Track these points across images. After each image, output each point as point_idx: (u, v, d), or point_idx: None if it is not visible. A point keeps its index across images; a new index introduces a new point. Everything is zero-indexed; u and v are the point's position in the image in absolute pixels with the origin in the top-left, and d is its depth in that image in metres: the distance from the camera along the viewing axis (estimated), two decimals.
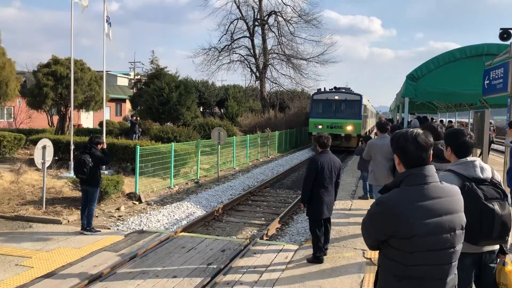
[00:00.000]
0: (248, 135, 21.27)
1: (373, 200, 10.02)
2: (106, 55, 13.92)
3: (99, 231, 7.94)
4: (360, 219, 8.41)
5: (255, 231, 9.08)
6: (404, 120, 13.14)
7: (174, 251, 6.82)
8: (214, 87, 47.82)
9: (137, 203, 10.76)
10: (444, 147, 3.52)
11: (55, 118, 22.84)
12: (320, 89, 27.83)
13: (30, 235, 7.62)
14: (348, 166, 18.39)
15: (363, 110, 26.33)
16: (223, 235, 8.50)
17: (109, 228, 8.44)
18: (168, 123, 26.01)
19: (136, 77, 36.63)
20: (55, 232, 7.84)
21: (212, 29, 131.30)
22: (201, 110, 44.63)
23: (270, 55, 37.11)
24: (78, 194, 10.09)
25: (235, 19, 36.70)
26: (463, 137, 3.32)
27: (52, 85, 19.31)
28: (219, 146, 15.24)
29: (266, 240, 8.04)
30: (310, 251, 6.48)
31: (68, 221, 8.63)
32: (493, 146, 21.90)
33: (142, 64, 79.02)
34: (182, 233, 7.90)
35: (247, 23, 36.87)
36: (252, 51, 37.02)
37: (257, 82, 37.85)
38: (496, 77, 8.92)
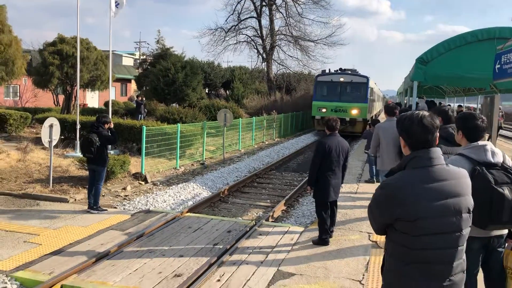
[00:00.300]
0: (254, 117, 21.22)
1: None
2: (112, 34, 13.83)
3: (106, 210, 8.00)
4: (366, 203, 8.44)
5: (261, 213, 9.12)
6: (412, 104, 13.02)
7: (180, 231, 6.87)
8: (220, 68, 47.54)
9: (143, 183, 10.81)
10: (455, 131, 3.49)
11: (61, 97, 22.87)
12: (325, 70, 26.78)
13: (37, 212, 7.69)
14: (354, 149, 18.34)
15: (370, 93, 25.00)
16: (229, 216, 8.54)
17: (115, 208, 8.50)
18: (173, 104, 25.97)
19: (141, 57, 36.47)
20: (62, 210, 7.91)
21: (219, 9, 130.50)
22: (207, 91, 44.48)
23: (277, 36, 36.77)
24: (84, 173, 10.15)
25: None
26: (475, 120, 3.28)
27: (58, 64, 19.29)
28: (225, 128, 15.23)
29: (272, 221, 8.08)
30: (315, 233, 6.51)
31: (75, 199, 8.69)
32: (501, 132, 21.75)
33: (148, 44, 78.69)
34: (188, 214, 7.94)
35: (254, 3, 36.46)
36: (259, 32, 36.68)
37: (263, 63, 37.60)
38: (508, 61, 8.78)
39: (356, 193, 9.43)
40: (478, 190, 2.67)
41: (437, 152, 2.31)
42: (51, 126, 9.18)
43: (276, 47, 36.80)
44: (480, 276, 3.45)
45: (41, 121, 14.49)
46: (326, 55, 64.53)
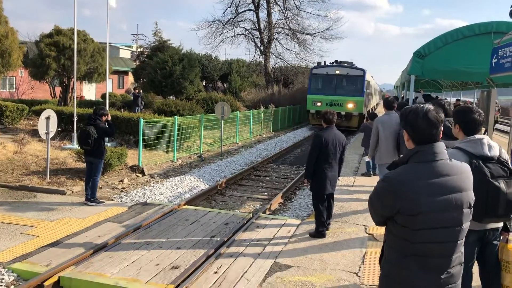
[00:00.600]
0: (251, 111, 21.21)
1: (375, 177, 10.06)
2: (109, 26, 13.76)
3: (103, 202, 8.01)
4: (362, 196, 8.50)
5: (258, 206, 9.15)
6: (410, 98, 13.04)
7: (177, 223, 6.89)
8: (217, 61, 47.38)
9: (140, 175, 10.82)
10: (453, 124, 3.50)
11: (58, 90, 22.78)
12: (320, 62, 26.12)
13: (34, 204, 7.69)
14: (351, 143, 18.38)
15: (366, 87, 24.14)
16: (226, 209, 8.57)
17: (113, 200, 8.51)
18: (170, 97, 25.91)
19: (138, 50, 36.32)
20: (59, 202, 7.91)
21: (216, 2, 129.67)
22: (204, 84, 44.37)
23: (275, 29, 36.61)
24: (81, 165, 10.14)
25: None
26: (472, 114, 3.29)
27: (55, 56, 19.19)
28: (222, 121, 15.22)
29: (269, 214, 8.11)
30: (312, 226, 6.54)
31: (72, 191, 8.70)
32: (497, 126, 21.80)
33: (145, 36, 78.33)
34: (186, 206, 7.96)
35: None
36: (256, 24, 36.52)
37: (261, 56, 37.46)
38: (505, 55, 8.80)
39: (352, 186, 9.47)
40: (474, 184, 2.69)
41: (440, 146, 2.30)
42: (48, 118, 9.16)
43: (274, 40, 36.66)
44: (475, 269, 3.49)
45: (38, 113, 14.44)
46: (324, 48, 64.42)
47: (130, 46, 49.79)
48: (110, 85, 35.86)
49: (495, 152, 3.22)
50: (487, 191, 3.05)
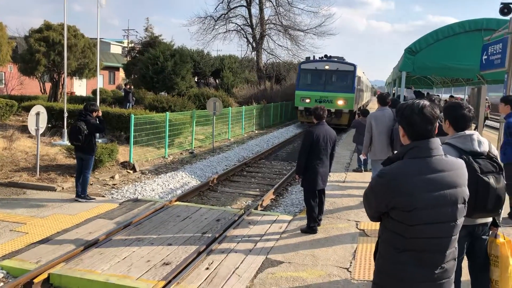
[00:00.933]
0: (243, 107, 21.17)
1: (367, 173, 10.09)
2: (100, 22, 13.64)
3: (94, 198, 7.96)
4: (354, 192, 8.53)
5: (250, 202, 9.15)
6: (401, 95, 13.10)
7: (169, 219, 6.86)
8: (209, 57, 47.18)
9: (131, 172, 10.77)
10: (443, 120, 3.52)
11: (48, 85, 22.57)
12: (309, 57, 25.18)
13: (24, 201, 7.62)
14: (342, 139, 18.44)
15: (357, 83, 23.22)
16: (218, 205, 8.56)
17: (103, 196, 8.46)
18: (162, 93, 25.78)
19: (130, 45, 36.05)
20: (50, 199, 7.85)
21: None
22: (196, 80, 44.20)
23: (267, 25, 36.53)
24: (72, 161, 10.07)
25: None
26: (462, 110, 3.31)
27: (44, 51, 19.00)
28: (214, 117, 15.18)
29: (261, 210, 8.11)
30: (304, 222, 6.55)
31: (63, 188, 8.63)
32: (487, 122, 21.99)
33: (136, 32, 77.82)
34: (177, 202, 7.94)
35: None
36: (249, 20, 36.42)
37: (253, 52, 37.39)
38: (494, 52, 8.87)
39: (344, 182, 9.50)
40: None
41: (436, 142, 2.31)
42: (37, 114, 9.07)
43: (266, 36, 36.60)
44: (465, 263, 3.52)
45: (28, 109, 14.27)
46: (316, 44, 64.45)
47: (121, 42, 49.41)
48: (101, 81, 35.62)
49: (484, 148, 3.25)
50: (476, 187, 3.07)
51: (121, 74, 39.74)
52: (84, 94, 31.91)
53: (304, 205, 6.85)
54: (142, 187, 9.31)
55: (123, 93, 25.06)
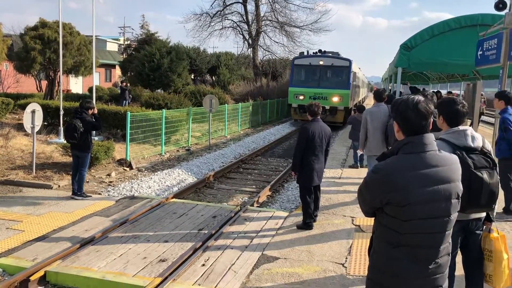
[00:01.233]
0: (240, 103, 21.15)
1: (363, 169, 10.11)
2: (95, 19, 13.59)
3: (90, 196, 7.95)
4: (350, 188, 8.55)
5: (246, 198, 9.16)
6: (397, 91, 13.13)
7: (165, 216, 6.87)
8: (205, 54, 47.09)
9: (127, 169, 10.76)
10: (437, 116, 3.53)
11: (44, 83, 22.48)
12: (303, 52, 24.54)
13: (20, 199, 7.61)
14: (338, 135, 18.46)
15: (353, 78, 22.33)
16: (214, 202, 8.57)
17: (100, 194, 8.46)
18: (158, 90, 25.73)
19: (126, 42, 35.96)
20: (46, 196, 7.84)
21: None
22: (192, 77, 44.13)
23: (263, 22, 36.47)
24: (68, 159, 10.05)
25: None
26: (456, 105, 3.32)
27: (40, 49, 18.91)
28: (210, 114, 15.17)
29: (257, 207, 8.12)
30: (300, 218, 6.58)
31: (59, 186, 8.62)
32: (483, 118, 22.05)
33: (132, 29, 77.63)
34: (173, 199, 7.94)
35: None
36: (245, 17, 36.34)
37: (249, 49, 37.34)
38: (490, 48, 8.90)
39: (340, 178, 9.52)
40: None
41: (430, 138, 2.32)
42: (33, 111, 9.05)
43: (262, 33, 36.53)
44: (459, 258, 3.54)
45: (24, 107, 14.22)
46: (312, 41, 64.06)
47: (117, 39, 49.30)
48: (97, 79, 35.52)
49: (478, 143, 3.26)
50: (470, 182, 3.09)
51: (117, 71, 39.64)
52: (80, 91, 31.80)
53: (300, 201, 6.87)
54: (138, 185, 9.31)
55: (119, 91, 24.98)
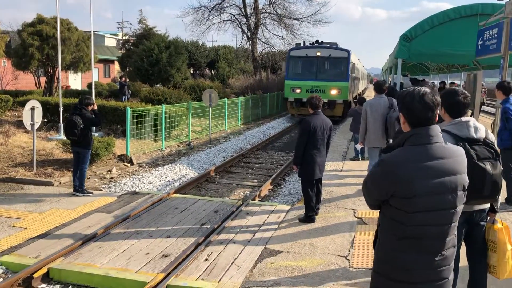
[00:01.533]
0: (240, 97, 21.09)
1: (364, 162, 10.09)
2: (93, 14, 13.52)
3: (92, 192, 7.95)
4: (351, 180, 8.54)
5: (248, 192, 9.15)
6: (397, 82, 13.09)
7: (167, 212, 6.87)
8: (204, 48, 46.99)
9: (128, 165, 10.75)
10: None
11: (42, 80, 22.42)
12: (299, 43, 23.64)
13: (22, 196, 7.61)
14: (339, 128, 18.43)
15: (352, 70, 21.39)
16: (216, 196, 8.56)
17: (101, 190, 8.45)
18: (157, 85, 25.68)
19: (124, 38, 35.84)
20: (47, 193, 7.84)
21: None
22: (191, 71, 44.05)
23: (262, 15, 36.28)
24: (69, 156, 10.04)
25: None
26: (457, 96, 3.30)
27: (38, 45, 18.86)
28: (210, 108, 15.14)
29: (259, 201, 8.12)
30: (301, 211, 6.57)
31: (60, 182, 8.61)
32: (484, 108, 22.00)
33: (130, 24, 77.45)
34: (175, 195, 7.94)
35: None
36: (243, 10, 36.15)
37: (248, 42, 37.17)
38: (490, 37, 8.85)
39: (341, 171, 9.51)
40: None
41: (436, 129, 2.30)
42: (32, 108, 9.03)
43: (261, 25, 36.36)
44: (463, 249, 3.54)
45: (23, 104, 14.19)
46: (311, 33, 63.94)
47: (115, 34, 49.12)
48: (96, 74, 35.38)
49: (481, 134, 3.24)
50: (472, 173, 3.07)
51: (116, 67, 39.56)
52: (79, 87, 31.74)
53: (302, 194, 6.86)
54: (139, 180, 9.31)
55: (118, 86, 24.95)
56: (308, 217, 6.33)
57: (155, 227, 6.16)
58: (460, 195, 2.30)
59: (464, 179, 2.33)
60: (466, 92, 3.38)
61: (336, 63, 20.81)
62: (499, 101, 6.97)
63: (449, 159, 2.27)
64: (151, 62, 24.33)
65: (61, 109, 13.15)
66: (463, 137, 3.17)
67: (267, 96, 25.39)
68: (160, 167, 10.59)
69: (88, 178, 8.94)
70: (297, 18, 36.40)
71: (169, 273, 4.72)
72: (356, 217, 6.53)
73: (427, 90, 2.33)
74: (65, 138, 8.86)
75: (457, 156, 2.33)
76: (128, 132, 11.43)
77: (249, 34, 36.14)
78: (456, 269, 3.36)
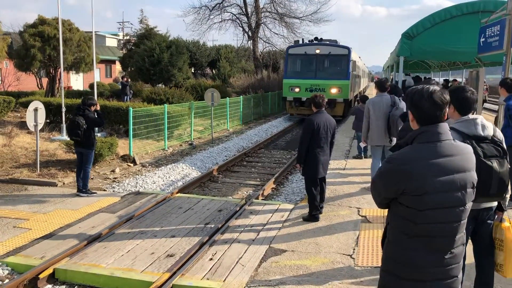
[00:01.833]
0: (241, 96, 21.09)
1: (367, 160, 10.09)
2: (94, 14, 13.52)
3: (95, 193, 7.95)
4: (354, 179, 8.54)
5: (251, 191, 9.16)
6: (399, 80, 13.06)
7: (171, 211, 6.87)
8: (205, 48, 47.00)
9: (131, 165, 10.76)
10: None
11: (44, 80, 22.46)
12: (298, 41, 23.09)
13: (26, 197, 7.62)
14: (341, 126, 18.40)
15: (352, 68, 20.64)
16: (219, 196, 8.57)
17: (105, 190, 8.46)
18: (159, 85, 25.69)
19: (125, 38, 35.84)
20: (51, 194, 7.85)
21: None
22: (193, 71, 44.05)
23: (263, 14, 36.25)
24: (72, 156, 10.06)
25: None
26: (465, 93, 3.29)
27: (40, 46, 18.89)
28: (212, 108, 15.14)
29: (262, 200, 8.12)
30: (305, 210, 6.57)
31: (64, 183, 8.63)
32: (486, 105, 21.98)
33: (131, 24, 77.50)
34: (179, 194, 7.94)
35: None
36: (244, 9, 36.13)
37: (249, 42, 37.16)
38: (492, 34, 8.82)
39: (344, 169, 9.51)
40: None
41: (445, 127, 2.31)
42: (35, 109, 9.04)
43: (262, 24, 36.33)
44: (469, 247, 3.53)
45: (25, 105, 14.25)
46: (312, 32, 63.62)
47: (116, 35, 49.14)
48: (97, 75, 35.45)
49: (488, 132, 3.24)
50: (479, 171, 3.06)
51: (117, 67, 39.58)
52: (81, 88, 31.78)
53: (305, 193, 6.86)
54: (143, 180, 9.31)
55: (120, 86, 24.96)
56: (312, 216, 6.32)
57: (159, 227, 6.16)
58: (469, 192, 2.30)
59: (473, 176, 2.34)
60: (472, 88, 3.38)
61: (336, 61, 20.20)
62: (502, 98, 6.95)
63: (458, 156, 2.28)
64: (153, 62, 24.33)
65: (64, 109, 13.16)
66: (471, 134, 3.17)
67: (269, 95, 25.38)
68: (163, 167, 10.60)
69: (92, 179, 8.95)
70: (298, 16, 36.39)
71: (174, 273, 4.73)
72: (360, 215, 6.53)
73: (436, 88, 2.33)
74: (68, 139, 8.87)
75: (466, 153, 2.34)
76: (131, 132, 11.43)
77: (250, 33, 36.12)
78: (463, 267, 3.35)
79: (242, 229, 6.11)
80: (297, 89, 20.08)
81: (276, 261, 5.04)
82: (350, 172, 9.20)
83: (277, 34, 36.85)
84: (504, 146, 3.28)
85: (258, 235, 5.88)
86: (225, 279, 4.62)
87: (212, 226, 6.23)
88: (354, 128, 11.44)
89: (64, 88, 16.88)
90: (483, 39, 9.37)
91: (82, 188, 7.81)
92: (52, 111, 14.62)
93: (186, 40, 41.34)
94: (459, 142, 2.38)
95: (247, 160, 12.51)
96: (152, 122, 12.78)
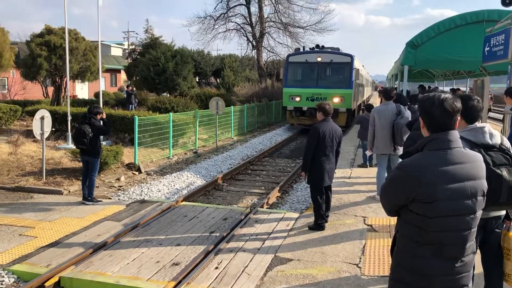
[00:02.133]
0: (245, 105, 21.14)
1: (372, 168, 10.07)
2: (100, 24, 13.65)
3: (101, 201, 7.97)
4: (360, 187, 8.52)
5: (256, 200, 9.14)
6: (403, 89, 13.08)
7: (176, 220, 6.87)
8: (210, 57, 47.24)
9: (136, 173, 10.78)
10: None
11: (50, 89, 22.61)
12: (299, 48, 22.57)
13: (31, 205, 7.64)
14: (347, 135, 18.39)
15: (355, 76, 19.64)
16: (224, 204, 8.56)
17: (110, 198, 8.48)
18: (164, 94, 25.80)
19: (130, 47, 36.08)
20: (57, 202, 7.87)
21: None
22: (197, 80, 44.24)
23: (267, 23, 36.45)
24: (77, 164, 10.09)
25: None
26: (471, 101, 3.29)
27: (46, 56, 19.05)
28: (217, 116, 15.18)
29: (267, 208, 8.10)
30: (311, 219, 6.55)
31: (69, 191, 8.65)
32: (491, 114, 21.90)
33: (136, 33, 78.05)
34: (184, 202, 7.94)
35: None
36: (248, 19, 36.36)
37: (253, 51, 37.34)
38: (497, 43, 8.83)
39: (349, 178, 9.49)
40: None
41: (455, 135, 2.31)
42: (42, 118, 9.09)
43: (266, 34, 36.52)
44: (478, 256, 3.50)
45: (31, 114, 14.35)
46: (316, 41, 63.56)
47: (121, 44, 49.50)
48: (103, 84, 35.62)
49: (496, 140, 3.23)
50: (489, 179, 3.04)
51: (122, 76, 39.79)
52: (86, 97, 31.96)
53: (311, 202, 6.84)
54: (148, 188, 9.32)
55: (125, 95, 25.10)
56: (318, 225, 6.31)
57: (164, 235, 6.16)
58: (479, 200, 2.30)
59: (484, 184, 2.33)
60: (477, 97, 3.37)
61: (338, 69, 19.55)
62: (508, 107, 6.95)
63: (468, 164, 2.28)
64: (158, 71, 24.46)
65: (69, 118, 13.23)
66: (478, 143, 3.16)
67: (273, 104, 25.42)
68: (168, 175, 10.61)
69: (97, 187, 8.97)
70: (302, 26, 36.57)
71: (180, 281, 4.72)
72: (366, 224, 6.50)
73: (448, 96, 2.33)
74: (74, 147, 8.91)
75: (476, 161, 2.34)
76: (136, 141, 11.48)
77: (254, 42, 36.30)
78: (472, 276, 3.33)
79: (248, 237, 6.10)
80: (297, 98, 19.56)
81: (282, 270, 5.02)
82: (355, 181, 9.18)
83: (281, 43, 37.05)
84: None
85: (263, 243, 5.86)
86: None
87: (217, 234, 6.22)
88: (359, 137, 11.43)
89: (70, 96, 16.99)
90: (488, 48, 9.38)
91: (88, 197, 7.83)
92: (58, 119, 14.70)
93: (191, 50, 41.57)
94: (468, 150, 2.38)
95: (252, 168, 12.51)
96: (157, 131, 12.83)
